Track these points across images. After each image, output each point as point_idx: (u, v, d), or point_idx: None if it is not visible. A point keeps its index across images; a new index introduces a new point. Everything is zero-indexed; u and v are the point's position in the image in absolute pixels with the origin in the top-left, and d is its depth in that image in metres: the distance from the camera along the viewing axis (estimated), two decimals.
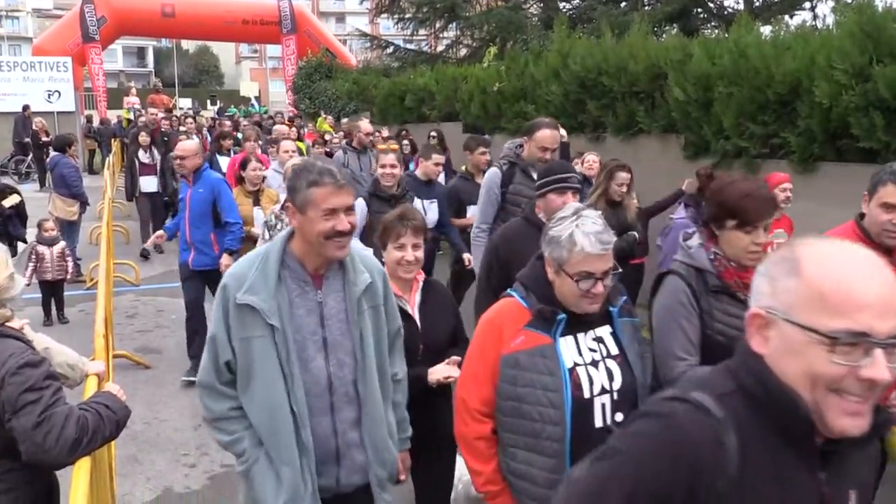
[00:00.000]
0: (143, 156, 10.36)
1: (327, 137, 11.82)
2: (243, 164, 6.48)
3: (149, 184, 10.42)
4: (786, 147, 6.24)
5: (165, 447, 4.81)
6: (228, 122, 17.17)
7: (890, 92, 5.28)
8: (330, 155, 9.76)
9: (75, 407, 2.21)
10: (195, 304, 5.93)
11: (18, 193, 7.32)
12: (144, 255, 10.11)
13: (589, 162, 7.11)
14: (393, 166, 5.19)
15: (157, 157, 10.48)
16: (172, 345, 6.80)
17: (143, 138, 10.42)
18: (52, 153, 9.71)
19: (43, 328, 6.76)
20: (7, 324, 2.24)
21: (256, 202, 6.29)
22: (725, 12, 15.27)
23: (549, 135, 4.51)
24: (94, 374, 2.91)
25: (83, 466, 2.17)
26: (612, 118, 8.40)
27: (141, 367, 6.20)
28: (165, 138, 11.80)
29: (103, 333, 3.78)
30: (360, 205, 4.90)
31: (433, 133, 9.80)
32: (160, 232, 6.51)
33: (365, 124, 8.27)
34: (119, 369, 5.85)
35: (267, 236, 5.05)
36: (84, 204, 9.27)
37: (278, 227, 4.99)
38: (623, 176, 5.51)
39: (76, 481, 2.12)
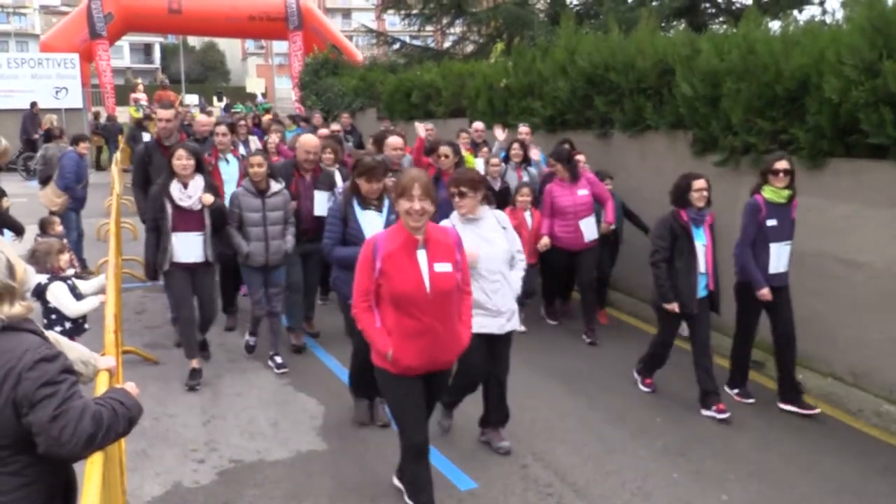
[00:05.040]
0: (179, 194, 5.55)
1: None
2: None
3: (192, 247, 5.62)
4: (794, 143, 6.21)
5: (174, 442, 4.83)
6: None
7: None
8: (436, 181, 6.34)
9: (91, 401, 2.22)
10: None
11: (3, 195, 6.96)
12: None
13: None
14: None
15: (200, 194, 5.59)
16: None
17: (184, 163, 5.52)
18: (68, 148, 9.68)
19: None
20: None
21: None
22: (734, 7, 15.18)
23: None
24: (104, 369, 2.92)
25: (96, 462, 2.18)
26: (619, 114, 8.37)
27: (150, 362, 6.23)
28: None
29: (113, 329, 3.80)
30: None
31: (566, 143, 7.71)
32: None
33: None
34: (128, 365, 5.88)
35: None
36: (75, 199, 8.98)
37: None
38: None
39: (89, 476, 2.13)
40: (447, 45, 21.14)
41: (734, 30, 7.44)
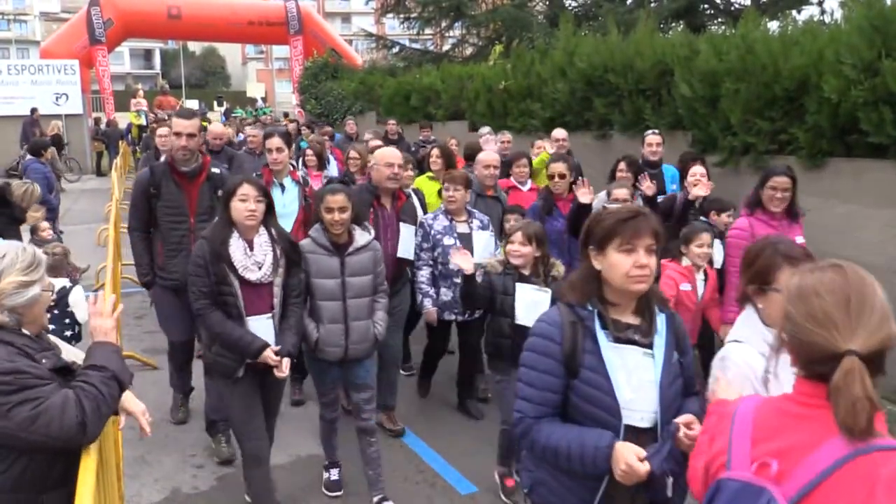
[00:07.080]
0: (243, 258, 3.49)
1: None
2: None
3: (263, 336, 3.55)
4: (794, 143, 6.20)
5: (173, 448, 4.82)
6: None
7: None
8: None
9: (69, 392, 2.17)
10: None
11: None
12: None
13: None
14: None
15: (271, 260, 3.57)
16: None
17: (253, 207, 3.48)
18: (27, 157, 9.53)
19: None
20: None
21: None
22: (732, 8, 15.17)
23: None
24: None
25: (89, 467, 2.16)
26: (618, 115, 8.37)
27: (149, 367, 6.22)
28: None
29: None
30: None
31: None
32: None
33: None
34: None
35: None
36: (50, 210, 8.71)
37: None
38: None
39: (82, 481, 2.11)
40: (446, 48, 21.14)
41: (733, 30, 7.43)
